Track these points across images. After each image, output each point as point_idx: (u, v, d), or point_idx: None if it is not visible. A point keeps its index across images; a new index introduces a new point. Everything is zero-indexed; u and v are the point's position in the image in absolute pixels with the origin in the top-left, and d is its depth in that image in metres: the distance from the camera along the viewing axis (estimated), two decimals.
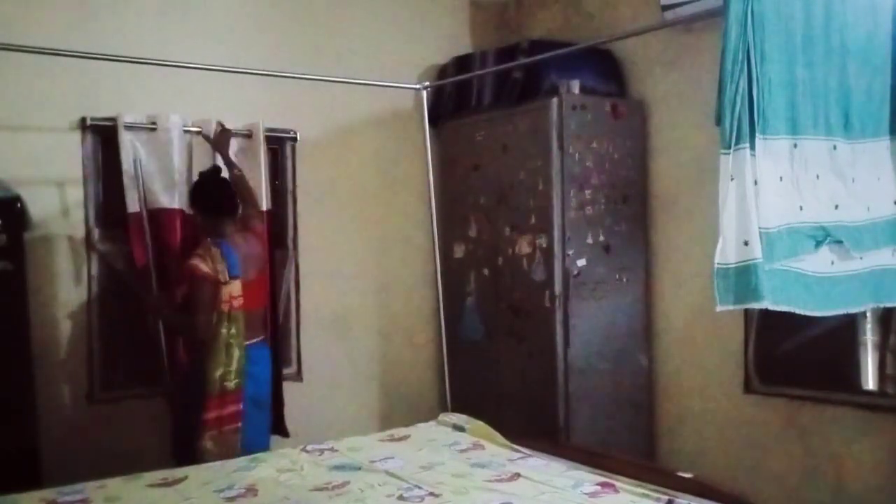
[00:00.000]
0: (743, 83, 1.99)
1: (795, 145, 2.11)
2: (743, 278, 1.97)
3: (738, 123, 1.99)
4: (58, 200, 3.22)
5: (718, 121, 2.01)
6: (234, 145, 3.45)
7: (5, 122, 3.11)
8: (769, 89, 2.04)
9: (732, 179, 1.99)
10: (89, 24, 3.25)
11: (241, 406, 3.01)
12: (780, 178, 2.09)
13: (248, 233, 3.19)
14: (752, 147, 2.00)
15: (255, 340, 3.10)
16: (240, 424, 3.01)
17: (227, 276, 2.95)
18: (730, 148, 1.99)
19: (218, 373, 2.95)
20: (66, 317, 3.23)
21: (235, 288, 2.98)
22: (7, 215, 2.89)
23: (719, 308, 2.01)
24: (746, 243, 1.97)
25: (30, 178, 3.12)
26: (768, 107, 2.04)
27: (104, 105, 3.25)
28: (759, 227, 1.99)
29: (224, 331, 2.95)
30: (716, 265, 1.99)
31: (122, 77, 3.23)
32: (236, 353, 2.98)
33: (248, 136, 3.51)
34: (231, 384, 2.98)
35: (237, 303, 2.98)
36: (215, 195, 3.11)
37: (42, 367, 3.08)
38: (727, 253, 1.99)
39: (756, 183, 2.00)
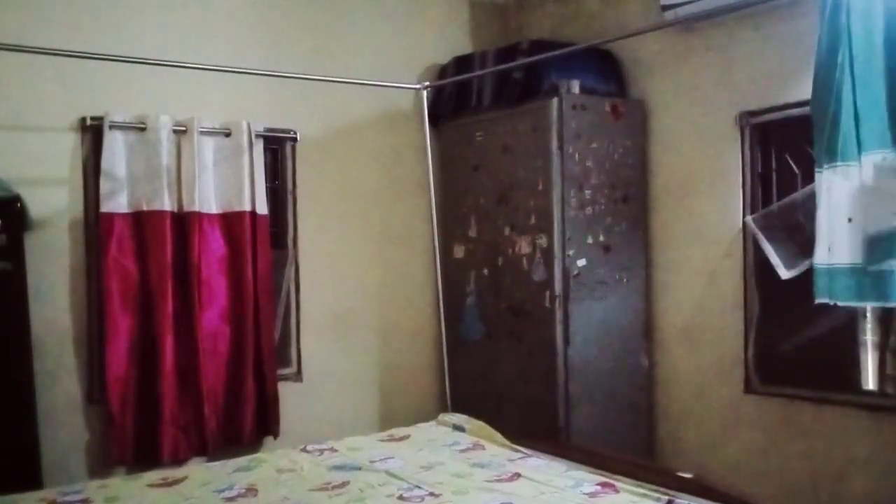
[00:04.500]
0: (841, 101, 2.23)
1: (884, 158, 2.30)
2: (849, 279, 2.29)
3: (832, 142, 2.25)
4: (58, 200, 3.22)
5: (814, 142, 2.29)
6: (211, 144, 3.43)
7: (5, 122, 3.11)
8: (865, 105, 2.23)
9: (828, 192, 2.26)
10: (89, 24, 3.24)
11: None
12: (875, 189, 2.29)
13: None
14: (847, 162, 2.24)
15: None
16: None
17: None
18: (824, 165, 2.28)
19: None
20: (67, 317, 3.23)
21: None
22: (7, 215, 2.89)
23: (819, 301, 2.36)
24: (850, 247, 2.28)
25: (30, 178, 3.12)
26: (863, 124, 2.23)
27: (104, 105, 3.24)
28: (863, 233, 2.25)
29: None
30: (823, 265, 2.31)
31: (123, 77, 3.22)
32: None
33: (227, 134, 3.48)
34: None
35: None
36: None
37: (42, 367, 3.08)
38: (838, 254, 2.30)
39: (850, 194, 2.26)
